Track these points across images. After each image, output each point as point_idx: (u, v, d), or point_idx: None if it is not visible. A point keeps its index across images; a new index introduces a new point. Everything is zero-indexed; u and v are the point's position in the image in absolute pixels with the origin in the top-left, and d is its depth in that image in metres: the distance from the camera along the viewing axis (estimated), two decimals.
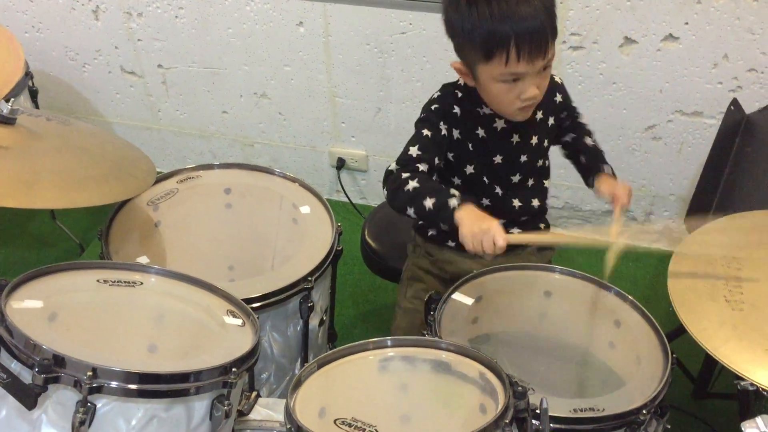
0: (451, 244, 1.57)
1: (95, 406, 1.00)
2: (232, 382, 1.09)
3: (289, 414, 1.06)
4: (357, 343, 1.21)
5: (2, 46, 1.28)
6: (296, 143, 2.58)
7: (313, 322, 1.59)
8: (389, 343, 1.21)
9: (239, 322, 1.25)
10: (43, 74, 2.56)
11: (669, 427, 1.29)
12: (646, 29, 2.07)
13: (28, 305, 1.11)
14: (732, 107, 1.85)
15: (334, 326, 1.81)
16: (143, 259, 1.51)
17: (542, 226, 1.62)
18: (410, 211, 1.38)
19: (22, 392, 0.99)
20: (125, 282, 1.26)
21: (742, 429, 1.02)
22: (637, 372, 1.34)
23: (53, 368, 0.99)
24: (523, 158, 1.52)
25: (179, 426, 1.07)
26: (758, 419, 1.04)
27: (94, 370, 0.99)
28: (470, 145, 1.48)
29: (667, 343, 1.36)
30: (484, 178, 1.51)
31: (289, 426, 1.05)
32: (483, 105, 1.46)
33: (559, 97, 1.56)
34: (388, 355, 1.21)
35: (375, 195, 2.61)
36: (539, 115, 1.51)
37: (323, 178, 2.62)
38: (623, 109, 2.21)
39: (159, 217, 1.67)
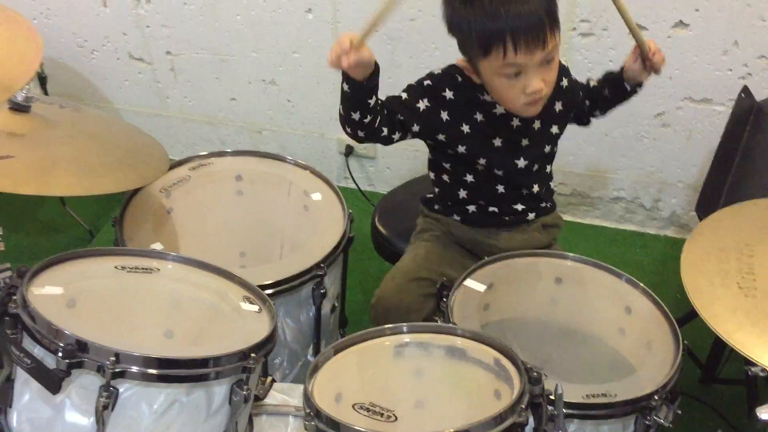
0: (456, 217, 1.61)
1: (118, 390, 1.02)
2: (251, 367, 1.10)
3: (307, 399, 1.07)
4: (373, 329, 1.22)
5: (22, 35, 1.29)
6: (304, 130, 2.58)
7: (326, 308, 1.61)
8: (405, 329, 1.23)
9: (255, 308, 1.26)
10: (51, 61, 2.56)
11: (680, 412, 1.30)
12: (656, 15, 2.06)
13: (48, 291, 1.13)
14: (742, 94, 1.85)
15: (345, 313, 1.83)
16: (157, 246, 1.52)
17: (548, 204, 1.64)
18: (341, 109, 1.41)
19: (46, 377, 1.00)
20: (142, 268, 1.27)
21: (757, 414, 1.03)
22: (647, 358, 1.35)
23: (77, 353, 1.00)
24: (525, 142, 1.52)
25: (200, 410, 1.08)
26: None
27: (116, 355, 1.00)
28: (466, 127, 1.49)
29: (678, 329, 1.37)
30: (481, 160, 1.52)
31: (308, 410, 1.06)
32: (483, 92, 1.47)
33: (565, 82, 1.55)
34: (404, 341, 1.22)
35: (383, 182, 2.61)
36: None
37: (331, 165, 2.63)
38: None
39: (171, 204, 1.68)
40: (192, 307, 1.28)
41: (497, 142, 1.51)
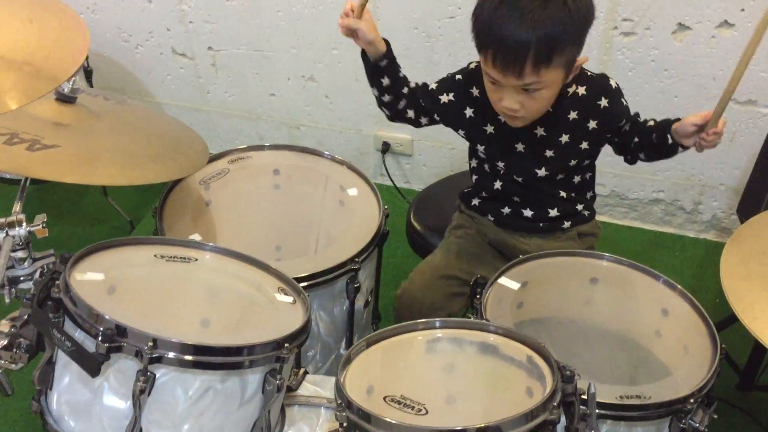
0: (491, 218, 1.61)
1: (155, 375, 1.04)
2: (285, 357, 1.12)
3: (339, 390, 1.08)
4: (406, 323, 1.22)
5: (70, 26, 1.32)
6: (342, 126, 2.60)
7: (359, 302, 1.62)
8: (437, 324, 1.23)
9: (290, 299, 1.28)
10: (97, 55, 2.62)
11: (716, 417, 1.27)
12: (700, 15, 2.03)
13: (90, 277, 1.16)
14: None
15: (378, 308, 1.83)
16: (195, 237, 1.54)
17: (586, 213, 1.62)
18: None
19: (86, 360, 1.03)
20: (181, 258, 1.30)
21: None
22: (684, 361, 1.33)
23: (116, 338, 1.02)
24: (549, 153, 1.51)
25: (234, 397, 1.10)
26: None
27: (154, 340, 1.02)
28: (491, 127, 1.50)
29: (716, 333, 1.35)
30: (500, 164, 1.53)
31: (339, 402, 1.07)
32: None
33: (604, 102, 1.49)
34: (436, 336, 1.22)
35: (419, 179, 2.62)
36: (573, 115, 1.48)
37: (368, 161, 2.64)
38: (674, 96, 2.18)
39: (210, 196, 1.70)
40: (228, 297, 1.30)
41: (519, 147, 1.51)
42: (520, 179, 1.54)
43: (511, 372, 1.16)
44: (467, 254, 1.60)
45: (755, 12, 1.97)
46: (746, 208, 1.92)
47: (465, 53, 2.28)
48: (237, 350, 1.07)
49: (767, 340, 1.16)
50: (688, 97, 2.17)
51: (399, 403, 1.08)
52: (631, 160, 1.56)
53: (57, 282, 1.10)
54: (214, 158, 1.76)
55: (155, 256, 1.28)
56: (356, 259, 1.53)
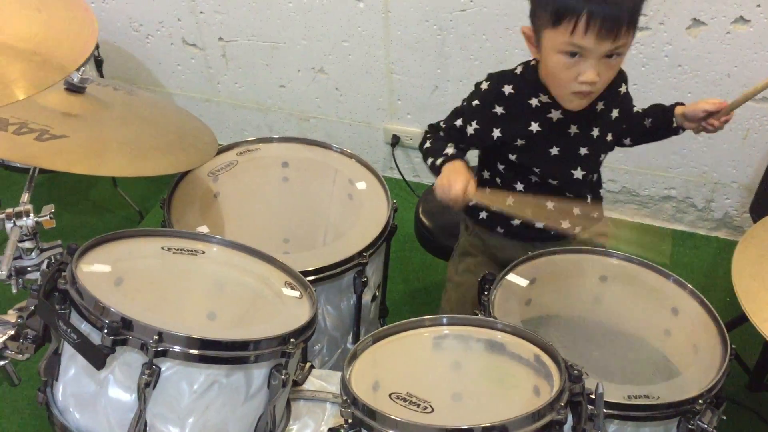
0: (500, 230, 1.57)
1: (160, 369, 1.03)
2: (290, 352, 1.11)
3: (345, 386, 1.08)
4: (412, 319, 1.22)
5: (79, 16, 1.31)
6: (352, 119, 2.58)
7: (366, 297, 1.61)
8: (444, 320, 1.22)
9: (297, 294, 1.27)
10: (107, 44, 2.62)
11: (725, 418, 1.26)
12: (715, 11, 2.00)
13: (96, 269, 1.15)
14: None
15: (385, 302, 1.83)
16: (203, 229, 1.54)
17: (595, 214, 1.60)
18: (427, 165, 1.52)
19: (92, 352, 1.03)
20: (188, 250, 1.29)
21: None
22: (693, 361, 1.32)
23: (121, 331, 1.02)
24: (584, 151, 1.48)
25: (239, 392, 1.10)
26: None
27: (160, 334, 1.02)
28: (519, 141, 1.46)
29: (726, 332, 1.33)
30: (536, 170, 1.48)
31: (344, 398, 1.07)
32: (537, 94, 1.42)
33: (623, 88, 1.50)
34: (443, 332, 1.21)
35: (428, 173, 2.59)
36: (600, 105, 1.46)
37: (377, 154, 2.63)
38: (688, 93, 2.16)
39: (218, 188, 1.70)
40: (235, 291, 1.30)
41: (554, 150, 1.46)
42: (555, 182, 1.49)
43: (518, 370, 1.15)
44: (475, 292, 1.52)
45: None
46: (759, 207, 1.90)
47: (476, 46, 2.26)
48: (242, 345, 1.07)
49: None
50: (701, 94, 2.14)
51: (405, 400, 1.08)
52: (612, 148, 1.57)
53: (64, 273, 1.10)
54: (222, 150, 1.76)
55: (162, 248, 1.27)
56: (364, 254, 1.52)
